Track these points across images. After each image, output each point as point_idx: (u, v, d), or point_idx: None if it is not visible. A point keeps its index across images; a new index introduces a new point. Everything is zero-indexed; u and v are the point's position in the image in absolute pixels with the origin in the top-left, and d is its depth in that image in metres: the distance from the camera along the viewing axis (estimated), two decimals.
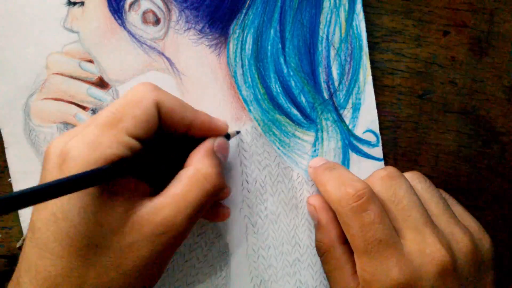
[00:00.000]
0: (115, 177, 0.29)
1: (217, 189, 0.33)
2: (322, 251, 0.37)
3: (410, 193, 0.34)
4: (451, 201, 0.38)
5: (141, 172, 0.31)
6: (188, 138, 0.35)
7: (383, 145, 0.40)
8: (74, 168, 0.28)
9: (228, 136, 0.37)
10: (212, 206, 0.37)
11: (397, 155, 0.41)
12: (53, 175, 0.29)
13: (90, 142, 0.29)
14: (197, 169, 0.32)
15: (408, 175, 0.37)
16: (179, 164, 0.34)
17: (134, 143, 0.30)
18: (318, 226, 0.38)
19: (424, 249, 0.32)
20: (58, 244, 0.28)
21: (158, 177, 0.33)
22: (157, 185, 0.32)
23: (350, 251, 0.36)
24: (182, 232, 0.31)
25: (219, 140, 0.35)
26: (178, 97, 0.38)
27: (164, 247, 0.31)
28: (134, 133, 0.30)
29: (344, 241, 0.36)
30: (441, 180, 0.41)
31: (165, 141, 0.34)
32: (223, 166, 0.36)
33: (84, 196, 0.28)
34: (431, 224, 0.33)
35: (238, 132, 0.39)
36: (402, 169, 0.36)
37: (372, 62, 0.40)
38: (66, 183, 0.27)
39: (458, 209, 0.37)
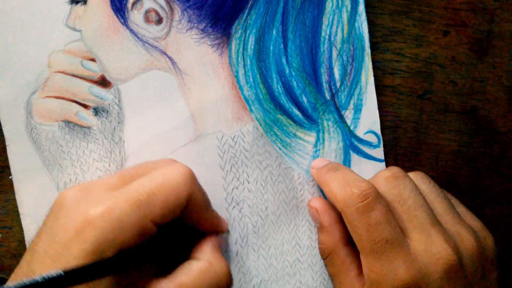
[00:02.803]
0: (128, 267, 0.29)
1: (227, 285, 0.33)
2: (326, 254, 0.37)
3: (415, 193, 0.34)
4: (454, 201, 0.38)
5: (154, 259, 0.32)
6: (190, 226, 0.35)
7: (383, 145, 0.40)
8: (91, 242, 0.28)
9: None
10: None
11: (397, 155, 0.41)
12: (67, 236, 0.29)
13: (115, 221, 0.29)
14: (210, 263, 0.33)
15: (412, 175, 0.37)
16: (181, 248, 0.34)
17: (154, 230, 0.30)
18: (320, 229, 0.38)
19: (430, 249, 0.32)
20: None
21: (164, 259, 0.33)
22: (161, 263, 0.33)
23: (354, 252, 0.36)
24: None
25: (222, 237, 0.37)
26: (180, 96, 0.39)
27: None
28: (157, 221, 0.30)
29: (348, 242, 0.36)
30: (441, 180, 0.41)
31: (175, 226, 0.34)
32: None
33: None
34: (437, 224, 0.33)
35: (228, 232, 0.40)
36: (403, 169, 0.36)
37: (372, 62, 0.40)
38: (79, 273, 0.27)
39: (461, 209, 0.37)
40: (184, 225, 0.35)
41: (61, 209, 0.30)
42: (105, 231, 0.28)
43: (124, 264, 0.29)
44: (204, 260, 0.33)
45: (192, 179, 0.32)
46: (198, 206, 0.33)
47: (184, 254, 0.34)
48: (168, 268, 0.32)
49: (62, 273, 0.26)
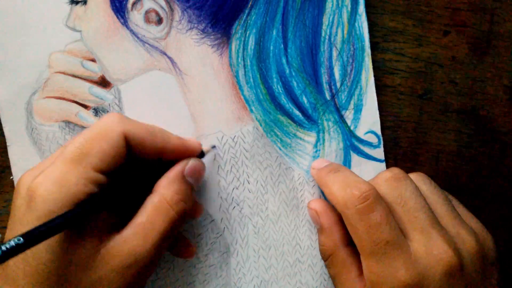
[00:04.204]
0: (83, 218, 0.29)
1: (183, 215, 0.33)
2: (327, 255, 0.37)
3: (416, 195, 0.34)
4: (454, 202, 0.38)
5: (110, 206, 0.31)
6: (161, 162, 0.34)
7: (383, 145, 0.40)
8: (41, 207, 0.28)
9: (202, 154, 0.36)
10: (178, 242, 0.37)
11: (397, 155, 0.41)
12: (22, 212, 0.29)
13: (56, 180, 0.29)
14: (162, 196, 0.32)
15: (412, 176, 0.37)
16: (150, 190, 0.33)
17: (101, 178, 0.30)
18: (321, 230, 0.38)
19: (431, 250, 0.32)
20: (27, 281, 0.29)
21: (128, 207, 0.32)
22: (128, 213, 0.32)
23: (354, 253, 0.36)
24: (151, 262, 0.31)
25: (191, 163, 0.35)
26: (180, 97, 0.39)
27: (134, 279, 0.31)
28: (101, 168, 0.30)
29: (348, 243, 0.36)
30: (441, 180, 0.41)
31: (134, 170, 0.33)
32: (193, 189, 0.35)
33: None
34: (438, 225, 0.33)
35: (213, 147, 0.38)
36: (403, 169, 0.36)
37: (372, 62, 0.40)
38: (37, 233, 0.27)
39: (461, 209, 0.37)
40: (157, 166, 0.34)
41: (16, 192, 0.31)
42: (49, 194, 0.29)
43: (76, 217, 0.29)
44: (156, 193, 0.32)
45: (121, 119, 0.32)
46: (142, 139, 0.32)
47: None
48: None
49: (21, 238, 0.26)
